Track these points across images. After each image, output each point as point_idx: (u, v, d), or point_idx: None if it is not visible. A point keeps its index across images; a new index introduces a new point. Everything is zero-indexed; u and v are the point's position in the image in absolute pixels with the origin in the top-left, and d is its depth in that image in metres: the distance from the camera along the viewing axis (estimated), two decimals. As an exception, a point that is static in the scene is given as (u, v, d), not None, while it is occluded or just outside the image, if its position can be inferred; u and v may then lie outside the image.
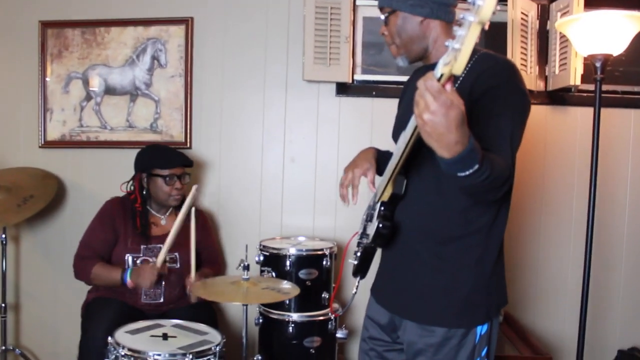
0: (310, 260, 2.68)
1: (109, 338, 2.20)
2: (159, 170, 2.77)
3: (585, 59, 2.75)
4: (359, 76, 3.16)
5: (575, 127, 3.13)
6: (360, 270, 1.98)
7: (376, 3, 3.04)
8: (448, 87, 1.21)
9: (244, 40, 3.16)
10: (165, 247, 2.62)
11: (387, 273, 1.89)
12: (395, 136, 1.89)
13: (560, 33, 2.90)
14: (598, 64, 2.54)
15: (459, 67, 1.17)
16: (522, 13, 2.97)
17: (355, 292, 2.04)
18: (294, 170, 3.19)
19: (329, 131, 3.17)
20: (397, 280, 1.81)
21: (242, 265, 2.25)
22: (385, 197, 1.78)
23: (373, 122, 3.14)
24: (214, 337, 2.29)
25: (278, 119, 3.18)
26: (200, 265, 2.89)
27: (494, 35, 3.00)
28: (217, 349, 2.18)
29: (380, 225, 1.74)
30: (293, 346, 2.64)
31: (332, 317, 2.68)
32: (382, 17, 1.82)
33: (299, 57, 3.11)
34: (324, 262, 2.70)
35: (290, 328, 2.62)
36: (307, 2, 2.98)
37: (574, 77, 2.86)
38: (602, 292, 3.16)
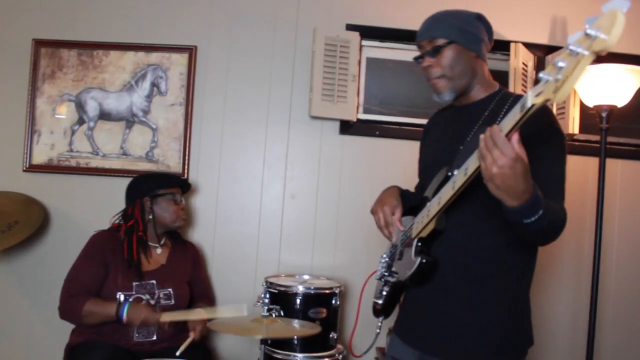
0: (319, 298, 2.60)
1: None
2: (164, 190, 2.68)
3: (588, 109, 2.85)
4: (362, 115, 3.17)
5: (570, 175, 3.20)
6: (386, 310, 1.95)
7: (381, 44, 3.20)
8: (515, 137, 1.29)
9: (247, 72, 3.12)
10: (177, 316, 2.48)
11: (417, 312, 1.84)
12: (428, 172, 1.87)
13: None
14: (604, 114, 2.65)
15: (561, 97, 1.18)
16: (523, 63, 3.08)
17: (379, 333, 2.01)
18: (294, 207, 3.12)
19: (331, 169, 3.13)
20: (430, 319, 1.77)
21: (261, 302, 2.15)
22: (425, 234, 1.75)
23: (376, 162, 3.13)
24: (223, 378, 2.17)
25: (280, 155, 3.12)
26: (192, 301, 2.75)
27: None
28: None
29: (424, 261, 1.71)
30: (298, 388, 2.53)
31: (339, 358, 2.59)
32: (435, 48, 1.75)
33: (303, 92, 3.09)
34: (333, 301, 2.63)
35: (297, 369, 2.51)
36: (317, 39, 2.98)
37: (572, 126, 2.95)
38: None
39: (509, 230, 1.55)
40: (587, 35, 1.12)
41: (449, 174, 1.67)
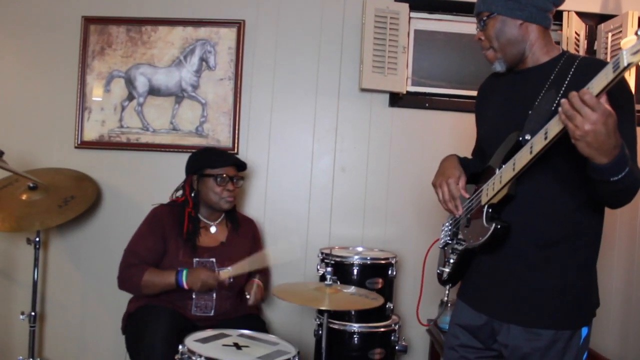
0: (376, 269, 2.61)
1: (180, 346, 2.07)
2: (210, 169, 2.64)
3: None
4: (411, 88, 3.15)
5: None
6: (454, 278, 1.95)
7: (429, 16, 3.16)
8: (603, 98, 1.34)
9: (296, 46, 3.11)
10: (234, 269, 2.48)
11: (487, 277, 1.83)
12: (491, 138, 1.85)
13: (611, 52, 2.96)
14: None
15: None
16: (575, 32, 3.02)
17: (447, 300, 2.03)
18: (344, 180, 3.11)
19: (380, 142, 3.11)
20: (500, 284, 1.77)
21: (325, 271, 2.16)
22: (496, 200, 1.73)
23: (425, 134, 3.11)
24: (287, 347, 2.18)
25: (330, 128, 3.11)
26: (251, 275, 2.75)
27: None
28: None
29: (499, 227, 1.70)
30: (355, 358, 2.55)
31: (396, 329, 2.60)
32: (481, 21, 1.81)
33: (352, 65, 3.07)
34: (389, 272, 2.63)
35: (355, 339, 2.52)
36: (367, 10, 2.95)
37: (627, 95, 2.89)
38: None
39: (590, 190, 1.57)
40: None
41: (520, 138, 1.66)
